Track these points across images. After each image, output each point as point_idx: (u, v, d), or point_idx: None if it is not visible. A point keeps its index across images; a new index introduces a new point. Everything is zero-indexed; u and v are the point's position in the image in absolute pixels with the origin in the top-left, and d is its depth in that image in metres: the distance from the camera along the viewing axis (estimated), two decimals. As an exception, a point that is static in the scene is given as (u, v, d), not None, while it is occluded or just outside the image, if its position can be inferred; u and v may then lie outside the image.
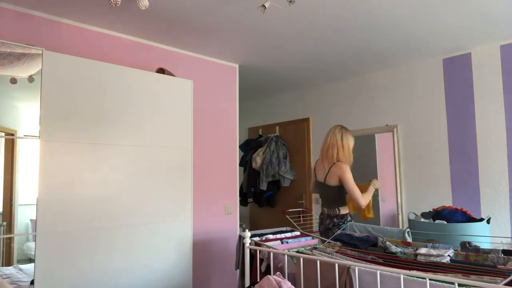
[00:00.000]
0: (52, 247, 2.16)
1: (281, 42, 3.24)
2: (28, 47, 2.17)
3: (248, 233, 2.42)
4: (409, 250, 2.07)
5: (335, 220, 3.00)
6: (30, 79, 2.19)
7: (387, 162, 3.95)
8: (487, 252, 1.93)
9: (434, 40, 3.20)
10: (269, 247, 2.37)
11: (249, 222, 5.52)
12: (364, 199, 2.90)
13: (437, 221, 2.82)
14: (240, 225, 4.08)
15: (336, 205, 3.02)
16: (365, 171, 4.07)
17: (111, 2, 2.16)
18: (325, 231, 3.02)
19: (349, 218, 3.03)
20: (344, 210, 3.02)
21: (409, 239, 2.41)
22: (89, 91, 2.37)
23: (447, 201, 3.47)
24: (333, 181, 2.99)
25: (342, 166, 2.94)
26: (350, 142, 3.06)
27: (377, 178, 3.15)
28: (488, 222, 2.73)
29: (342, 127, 3.11)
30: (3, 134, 2.12)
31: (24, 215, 2.16)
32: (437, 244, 2.05)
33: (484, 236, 2.39)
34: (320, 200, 3.27)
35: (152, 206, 2.60)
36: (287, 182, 4.87)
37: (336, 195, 3.02)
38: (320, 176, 3.11)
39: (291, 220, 4.07)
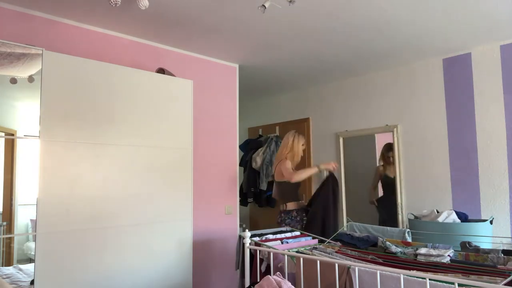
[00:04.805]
0: (52, 247, 2.16)
1: (281, 42, 3.24)
2: (28, 47, 2.17)
3: (248, 233, 2.42)
4: (409, 250, 2.07)
5: (282, 215, 3.26)
6: (30, 79, 2.19)
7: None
8: (487, 252, 1.93)
9: (434, 40, 3.20)
10: (269, 247, 2.37)
11: (249, 222, 5.51)
12: (296, 174, 3.13)
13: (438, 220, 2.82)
14: (240, 225, 4.07)
15: (283, 201, 3.29)
16: (365, 171, 4.07)
17: (111, 2, 2.16)
18: (276, 226, 3.27)
19: (295, 214, 3.22)
20: (290, 206, 3.25)
21: (409, 239, 2.41)
22: (89, 91, 2.37)
23: (447, 201, 3.47)
24: (279, 177, 3.29)
25: (285, 162, 3.23)
26: (299, 144, 3.33)
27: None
28: (491, 222, 2.73)
29: (296, 132, 3.38)
30: (3, 134, 2.12)
31: (24, 215, 2.16)
32: (437, 244, 2.05)
33: (484, 236, 2.40)
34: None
35: (152, 206, 2.60)
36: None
37: (282, 191, 3.29)
38: (274, 174, 3.44)
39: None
